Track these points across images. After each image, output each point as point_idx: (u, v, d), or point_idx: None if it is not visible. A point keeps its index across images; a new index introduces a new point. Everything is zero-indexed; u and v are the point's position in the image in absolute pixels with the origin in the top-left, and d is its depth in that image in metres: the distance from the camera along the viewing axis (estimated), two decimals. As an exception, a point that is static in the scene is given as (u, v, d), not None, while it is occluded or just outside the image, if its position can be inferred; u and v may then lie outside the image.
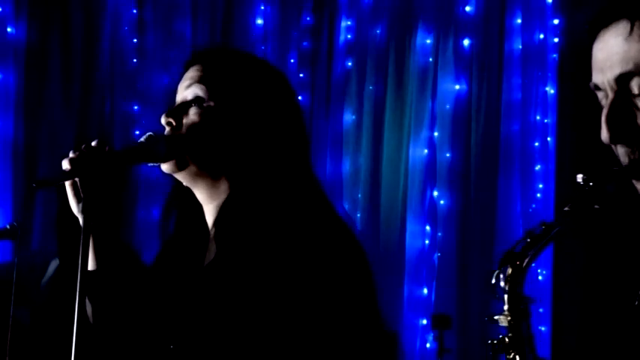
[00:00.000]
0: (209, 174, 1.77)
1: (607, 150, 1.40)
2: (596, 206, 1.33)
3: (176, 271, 1.83)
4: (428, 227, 4.96)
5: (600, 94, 1.39)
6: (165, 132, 1.79)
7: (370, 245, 4.77)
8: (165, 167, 1.78)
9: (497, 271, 1.31)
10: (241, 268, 1.67)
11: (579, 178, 1.35)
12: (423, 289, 4.92)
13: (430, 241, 4.95)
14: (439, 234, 4.93)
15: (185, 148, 1.76)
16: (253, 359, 1.64)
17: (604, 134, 1.35)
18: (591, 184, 1.34)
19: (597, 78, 1.38)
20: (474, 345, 4.73)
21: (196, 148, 1.76)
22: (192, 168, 1.77)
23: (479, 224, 4.87)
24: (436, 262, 4.92)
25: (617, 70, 1.34)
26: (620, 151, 1.37)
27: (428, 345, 4.81)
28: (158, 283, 1.83)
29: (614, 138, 1.35)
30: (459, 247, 4.89)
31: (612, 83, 1.35)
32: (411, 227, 4.96)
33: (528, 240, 1.32)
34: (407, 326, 4.88)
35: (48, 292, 3.30)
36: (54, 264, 3.37)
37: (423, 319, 4.87)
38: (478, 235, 4.86)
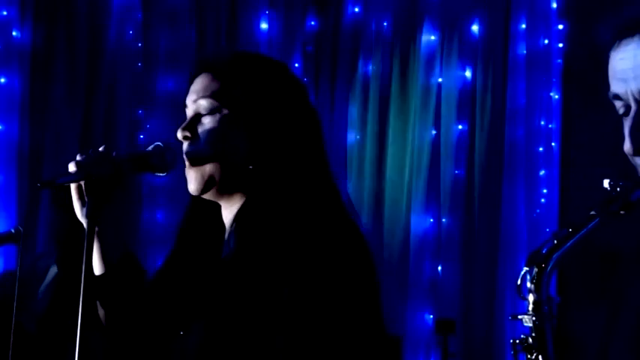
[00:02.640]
0: (229, 182, 1.77)
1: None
2: (621, 212, 1.33)
3: (195, 264, 1.84)
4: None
5: (619, 104, 1.37)
6: (184, 146, 1.78)
7: (374, 248, 4.76)
8: (191, 188, 1.78)
9: (523, 272, 1.31)
10: (254, 265, 1.68)
11: (606, 183, 1.34)
12: (427, 293, 4.91)
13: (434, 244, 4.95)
14: (443, 238, 4.93)
15: (204, 157, 1.75)
16: (257, 354, 1.65)
17: (627, 146, 1.35)
18: (618, 189, 1.33)
19: (619, 87, 1.37)
20: (478, 350, 4.72)
21: (216, 156, 1.75)
22: (215, 185, 1.76)
23: (483, 229, 4.86)
24: (440, 266, 4.92)
25: None
26: None
27: (432, 350, 4.80)
28: (175, 278, 1.84)
29: (639, 150, 1.34)
30: (463, 251, 4.89)
31: (637, 94, 1.34)
32: (415, 230, 4.96)
33: (555, 242, 1.31)
34: (411, 331, 4.87)
35: (46, 299, 3.28)
36: (52, 271, 3.35)
37: (427, 323, 4.86)
38: (482, 240, 4.85)
